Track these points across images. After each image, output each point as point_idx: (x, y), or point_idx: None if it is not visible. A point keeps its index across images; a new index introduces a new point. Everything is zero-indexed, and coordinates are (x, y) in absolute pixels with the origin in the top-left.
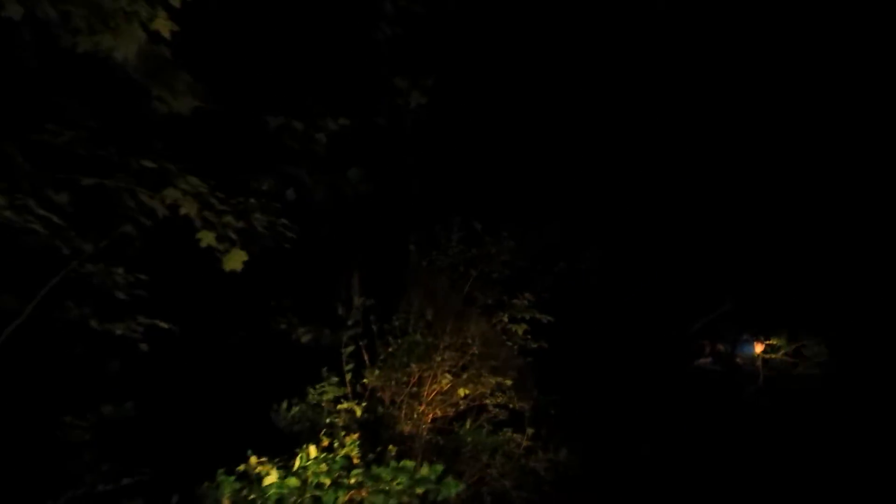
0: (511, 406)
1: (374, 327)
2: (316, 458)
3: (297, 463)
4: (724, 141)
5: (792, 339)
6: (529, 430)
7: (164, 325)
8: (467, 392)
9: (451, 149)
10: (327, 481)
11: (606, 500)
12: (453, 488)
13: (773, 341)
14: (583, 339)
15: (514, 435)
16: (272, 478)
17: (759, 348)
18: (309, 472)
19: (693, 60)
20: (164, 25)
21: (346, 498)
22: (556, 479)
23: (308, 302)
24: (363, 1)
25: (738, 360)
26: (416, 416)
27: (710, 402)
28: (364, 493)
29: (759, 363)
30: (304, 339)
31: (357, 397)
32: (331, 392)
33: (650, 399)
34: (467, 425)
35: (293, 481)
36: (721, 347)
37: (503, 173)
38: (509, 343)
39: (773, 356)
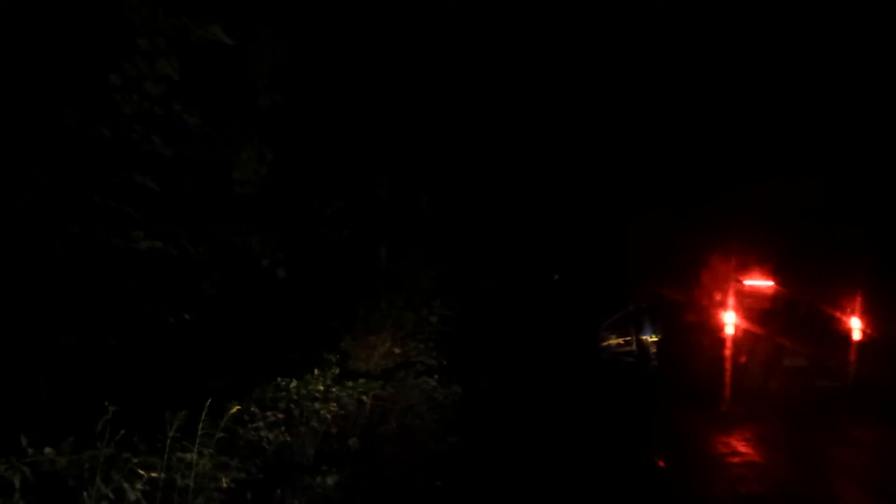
0: (427, 363)
1: (351, 312)
2: (315, 377)
3: (307, 379)
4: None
5: None
6: (436, 376)
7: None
8: (399, 351)
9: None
10: (321, 388)
11: (481, 414)
12: (391, 390)
13: (653, 338)
14: (476, 325)
15: (428, 379)
16: (293, 384)
17: (651, 339)
18: (311, 384)
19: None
20: (263, 169)
21: (331, 395)
22: (451, 404)
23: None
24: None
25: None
26: (371, 364)
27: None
28: (342, 394)
29: (652, 348)
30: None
31: (337, 354)
32: (322, 351)
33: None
34: (402, 374)
35: (305, 387)
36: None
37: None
38: (428, 327)
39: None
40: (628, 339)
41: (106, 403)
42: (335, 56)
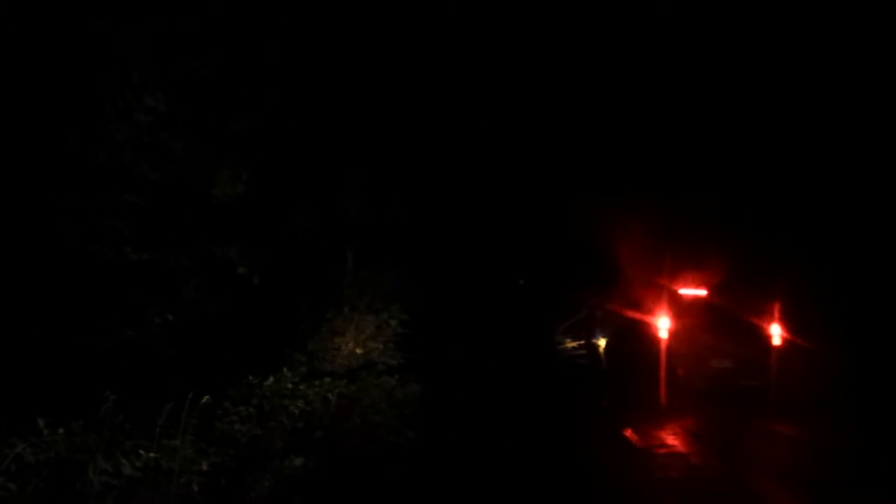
0: (388, 363)
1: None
2: (284, 376)
3: (277, 377)
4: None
5: None
6: (396, 376)
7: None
8: (361, 351)
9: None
10: (290, 386)
11: (439, 411)
12: (354, 388)
13: (602, 340)
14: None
15: (388, 378)
16: (268, 382)
17: (602, 342)
18: (281, 382)
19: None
20: (239, 188)
21: (299, 393)
22: (411, 402)
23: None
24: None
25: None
26: (336, 364)
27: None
28: (309, 392)
29: (602, 350)
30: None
31: (305, 354)
32: (291, 351)
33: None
34: (364, 374)
35: (275, 385)
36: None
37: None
38: (388, 329)
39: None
40: (582, 342)
41: (108, 393)
42: (312, 65)
